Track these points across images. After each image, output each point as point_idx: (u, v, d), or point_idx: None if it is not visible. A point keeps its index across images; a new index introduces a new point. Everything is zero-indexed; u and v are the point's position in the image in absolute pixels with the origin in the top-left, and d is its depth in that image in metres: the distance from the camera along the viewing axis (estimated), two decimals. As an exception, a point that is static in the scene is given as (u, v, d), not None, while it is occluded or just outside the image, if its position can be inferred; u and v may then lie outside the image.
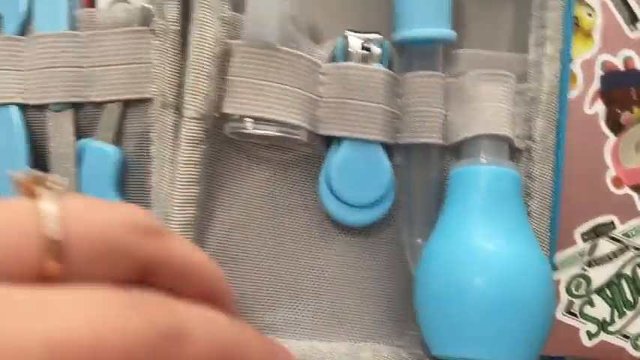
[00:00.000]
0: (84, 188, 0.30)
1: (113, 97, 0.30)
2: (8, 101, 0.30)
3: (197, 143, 0.27)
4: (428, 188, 0.30)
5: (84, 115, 0.31)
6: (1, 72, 0.30)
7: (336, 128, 0.29)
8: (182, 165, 0.27)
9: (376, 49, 0.29)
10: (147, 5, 0.31)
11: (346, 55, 0.30)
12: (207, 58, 0.27)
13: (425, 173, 0.30)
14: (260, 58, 0.28)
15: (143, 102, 0.30)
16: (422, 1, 0.29)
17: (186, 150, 0.27)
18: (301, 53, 0.29)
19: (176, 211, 0.27)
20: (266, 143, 0.30)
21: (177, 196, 0.27)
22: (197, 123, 0.27)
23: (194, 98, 0.27)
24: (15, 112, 0.30)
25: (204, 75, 0.27)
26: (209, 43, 0.27)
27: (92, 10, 0.31)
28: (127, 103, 0.31)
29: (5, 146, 0.30)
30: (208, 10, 0.27)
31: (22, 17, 0.30)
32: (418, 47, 0.30)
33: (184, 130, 0.27)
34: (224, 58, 0.28)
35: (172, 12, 0.29)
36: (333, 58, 0.30)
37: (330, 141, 0.30)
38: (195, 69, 0.27)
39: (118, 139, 0.31)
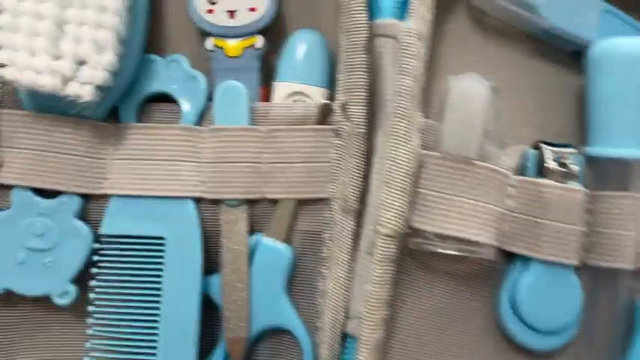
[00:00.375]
0: (254, 285, 0.29)
1: (290, 195, 0.29)
2: (186, 194, 0.29)
3: (390, 262, 0.26)
4: (614, 313, 0.28)
5: (257, 211, 0.30)
6: (180, 163, 0.29)
7: (525, 247, 0.28)
8: (374, 285, 0.26)
9: (574, 167, 0.28)
10: (327, 102, 0.30)
11: (539, 169, 0.28)
12: (405, 174, 0.26)
13: (612, 298, 0.28)
14: (454, 172, 0.27)
15: (318, 201, 0.30)
16: (625, 120, 0.28)
17: (379, 269, 0.26)
18: (495, 167, 0.27)
19: (366, 333, 0.26)
20: (448, 256, 0.28)
21: (368, 318, 0.26)
22: (391, 241, 0.26)
23: (390, 216, 0.26)
24: (191, 206, 0.29)
25: (400, 192, 0.26)
26: (406, 159, 0.26)
27: (269, 104, 0.30)
28: (302, 201, 0.30)
29: (179, 238, 0.29)
30: (405, 122, 0.26)
31: (202, 108, 0.30)
32: (613, 165, 0.28)
33: (379, 248, 0.26)
34: (416, 169, 0.27)
35: (359, 114, 0.28)
36: (521, 169, 0.29)
37: (511, 254, 0.29)
38: (391, 185, 0.26)
39: (288, 236, 0.30)
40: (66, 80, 0.27)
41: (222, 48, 0.30)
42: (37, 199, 0.29)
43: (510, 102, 0.30)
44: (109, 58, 0.27)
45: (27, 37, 0.27)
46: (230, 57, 0.30)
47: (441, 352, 0.28)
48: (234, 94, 0.30)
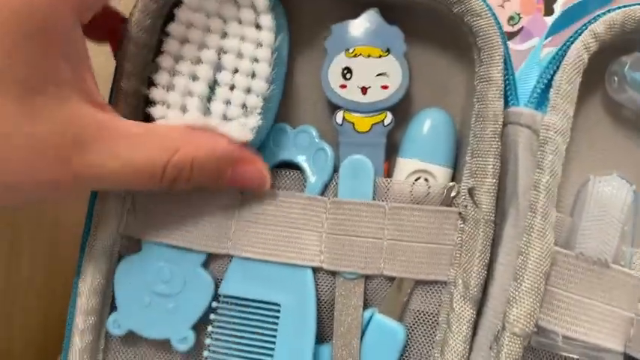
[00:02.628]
0: (364, 361, 0.30)
1: (408, 275, 0.29)
2: (306, 263, 0.30)
3: (515, 361, 0.26)
4: None
5: (373, 285, 0.30)
6: (301, 231, 0.30)
7: (656, 356, 0.27)
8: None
9: None
10: (453, 184, 0.30)
11: (674, 275, 0.27)
12: (537, 273, 0.25)
13: None
14: (589, 274, 0.26)
15: (436, 283, 0.30)
16: None
17: (504, 369, 0.25)
18: (630, 272, 0.26)
19: None
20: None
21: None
22: (519, 340, 0.25)
23: (520, 315, 0.25)
24: (309, 275, 0.30)
25: (531, 291, 0.25)
26: (540, 257, 0.25)
27: (392, 180, 0.30)
28: (419, 280, 0.30)
29: (294, 306, 0.29)
30: (541, 218, 0.26)
31: (327, 179, 0.30)
32: None
33: (505, 347, 0.25)
34: (548, 266, 0.26)
35: (488, 201, 0.28)
36: (653, 272, 0.28)
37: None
38: (523, 282, 0.25)
39: (402, 315, 0.30)
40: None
41: (351, 123, 0.31)
42: (167, 247, 0.31)
43: (642, 198, 0.29)
44: (254, 120, 0.28)
45: (181, 96, 0.29)
46: (358, 132, 0.31)
47: None
48: (361, 168, 0.30)
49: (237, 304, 0.30)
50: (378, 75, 0.30)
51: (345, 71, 0.30)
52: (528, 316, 0.25)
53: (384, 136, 0.31)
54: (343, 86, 0.30)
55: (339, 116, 0.31)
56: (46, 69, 0.24)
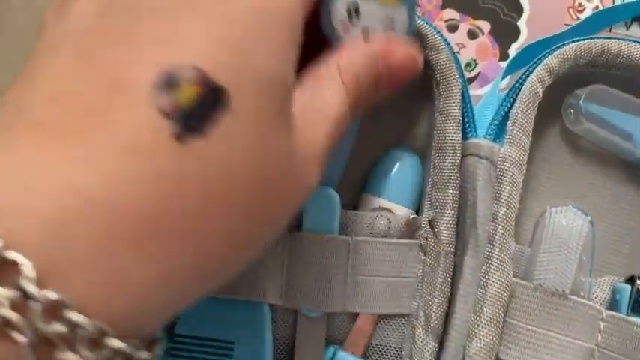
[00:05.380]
0: (327, 401, 0.29)
1: (371, 310, 0.29)
2: (262, 299, 0.29)
3: (476, 396, 0.25)
4: None
5: (335, 322, 0.29)
6: (259, 265, 0.29)
7: (615, 388, 0.26)
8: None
9: (672, 308, 0.27)
10: (415, 217, 0.30)
11: (633, 305, 0.27)
12: (496, 305, 0.25)
13: None
14: (547, 305, 0.26)
15: (399, 316, 0.29)
16: None
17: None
18: (589, 303, 0.26)
19: None
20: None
21: None
22: (480, 375, 0.25)
23: (479, 348, 0.25)
24: (266, 313, 0.29)
25: (490, 323, 0.25)
26: (498, 289, 0.25)
27: (355, 213, 0.30)
28: (382, 315, 0.29)
29: (247, 344, 0.29)
30: (499, 249, 0.26)
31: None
32: None
33: (466, 381, 0.25)
34: (507, 298, 0.26)
35: (447, 233, 0.28)
36: (612, 302, 0.28)
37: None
38: (482, 315, 0.25)
39: (365, 350, 0.29)
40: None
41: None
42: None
43: (599, 226, 0.30)
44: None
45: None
46: (320, 164, 0.31)
47: None
48: (327, 200, 0.30)
49: (191, 344, 0.29)
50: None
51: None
52: (488, 349, 0.25)
53: (345, 168, 0.31)
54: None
55: (300, 148, 0.31)
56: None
